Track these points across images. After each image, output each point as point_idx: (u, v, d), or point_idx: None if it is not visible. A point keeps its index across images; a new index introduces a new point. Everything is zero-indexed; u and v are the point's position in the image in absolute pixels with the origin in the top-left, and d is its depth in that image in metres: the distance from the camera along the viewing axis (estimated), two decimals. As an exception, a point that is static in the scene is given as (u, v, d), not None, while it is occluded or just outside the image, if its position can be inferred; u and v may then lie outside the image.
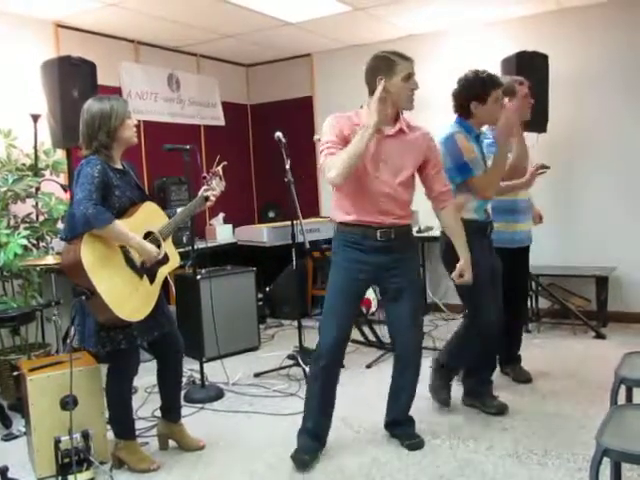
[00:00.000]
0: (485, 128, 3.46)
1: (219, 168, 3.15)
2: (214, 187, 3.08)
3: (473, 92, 3.15)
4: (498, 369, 3.76)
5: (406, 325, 2.98)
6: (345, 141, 2.71)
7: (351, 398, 3.34)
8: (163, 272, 2.94)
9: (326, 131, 2.81)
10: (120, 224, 2.67)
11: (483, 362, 3.46)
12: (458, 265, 2.94)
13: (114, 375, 2.92)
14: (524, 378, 3.84)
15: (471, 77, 3.17)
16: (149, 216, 2.90)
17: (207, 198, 3.07)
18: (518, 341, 3.95)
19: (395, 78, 2.72)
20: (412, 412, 3.16)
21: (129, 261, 2.76)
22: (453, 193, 3.09)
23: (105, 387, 2.96)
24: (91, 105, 2.79)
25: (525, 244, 3.81)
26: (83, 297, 2.63)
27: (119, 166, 2.86)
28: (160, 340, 2.97)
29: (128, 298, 2.72)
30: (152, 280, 2.87)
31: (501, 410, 3.35)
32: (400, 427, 3.11)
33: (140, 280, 2.80)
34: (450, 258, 3.10)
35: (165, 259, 2.93)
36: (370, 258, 2.84)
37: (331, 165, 2.69)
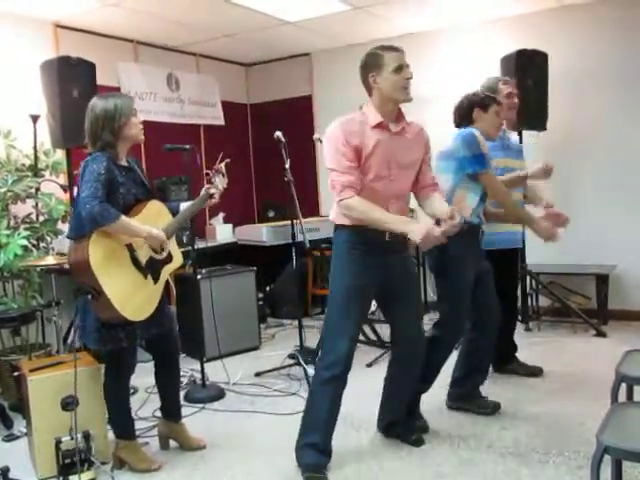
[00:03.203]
0: None
1: (222, 165, 3.15)
2: (217, 184, 3.08)
3: (477, 99, 3.27)
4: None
5: (413, 324, 2.95)
6: (357, 153, 2.62)
7: (352, 397, 3.31)
8: (166, 271, 2.95)
9: (334, 150, 2.65)
10: (126, 219, 2.67)
11: (477, 365, 3.45)
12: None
13: (111, 374, 2.92)
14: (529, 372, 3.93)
15: (476, 91, 3.36)
16: (154, 215, 2.89)
17: (211, 195, 3.07)
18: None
19: (385, 72, 2.68)
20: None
21: (134, 260, 2.76)
22: (451, 189, 3.14)
23: (103, 387, 2.96)
24: (95, 104, 2.78)
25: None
26: (89, 296, 2.63)
27: (124, 163, 2.86)
28: (157, 340, 2.97)
29: (133, 298, 2.72)
30: (156, 280, 2.87)
31: (496, 408, 3.37)
32: (401, 425, 3.10)
33: (144, 279, 2.81)
34: (442, 267, 3.17)
35: (169, 258, 2.93)
36: (378, 260, 2.76)
37: (353, 208, 2.61)
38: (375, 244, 2.73)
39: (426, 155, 2.90)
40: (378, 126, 2.71)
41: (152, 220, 2.87)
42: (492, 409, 3.36)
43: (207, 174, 3.10)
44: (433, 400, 3.38)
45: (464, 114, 3.30)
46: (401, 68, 2.67)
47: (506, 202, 3.29)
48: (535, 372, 3.92)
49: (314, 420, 2.80)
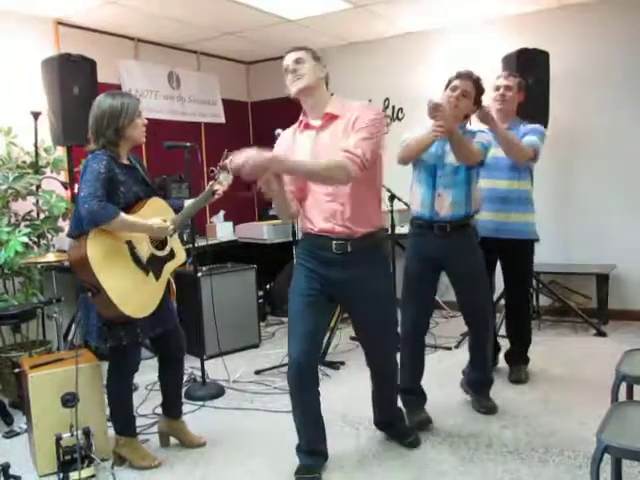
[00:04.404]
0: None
1: (227, 162, 3.15)
2: (221, 181, 3.09)
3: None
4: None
5: (371, 348, 2.88)
6: None
7: (350, 395, 3.33)
8: (169, 268, 2.95)
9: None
10: (125, 215, 2.67)
11: (472, 363, 3.46)
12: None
13: (114, 372, 2.92)
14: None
15: None
16: (155, 212, 2.89)
17: (214, 192, 3.07)
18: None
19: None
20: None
21: (135, 257, 2.76)
22: (410, 186, 3.24)
23: (106, 384, 2.97)
24: (102, 101, 2.78)
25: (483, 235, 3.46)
26: (89, 294, 2.63)
27: (125, 161, 2.86)
28: (162, 337, 2.98)
29: (133, 295, 2.73)
30: (158, 276, 2.87)
31: (490, 411, 3.36)
32: (392, 426, 3.08)
33: (146, 276, 2.81)
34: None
35: (171, 255, 2.93)
36: (326, 271, 2.63)
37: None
38: (321, 256, 2.63)
39: (355, 126, 2.55)
40: None
41: (155, 216, 2.87)
42: (486, 410, 3.36)
43: (212, 171, 3.11)
44: (433, 400, 3.38)
45: None
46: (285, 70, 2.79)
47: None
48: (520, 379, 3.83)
49: (296, 424, 2.79)
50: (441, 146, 3.12)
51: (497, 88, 3.71)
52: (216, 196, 3.07)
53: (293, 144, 2.70)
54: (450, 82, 3.20)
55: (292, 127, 2.78)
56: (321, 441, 2.81)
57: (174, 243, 2.97)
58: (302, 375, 2.67)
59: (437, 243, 3.15)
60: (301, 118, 2.72)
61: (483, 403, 3.39)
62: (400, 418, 3.10)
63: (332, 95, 2.70)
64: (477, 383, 3.46)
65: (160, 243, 2.91)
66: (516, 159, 3.57)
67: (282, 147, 2.72)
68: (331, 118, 2.61)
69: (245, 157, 2.31)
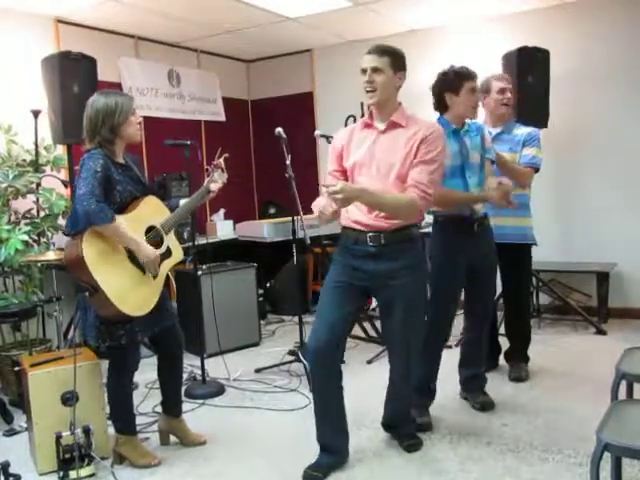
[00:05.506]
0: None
1: (220, 160, 3.16)
2: (216, 179, 3.09)
3: (447, 83, 3.12)
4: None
5: (397, 344, 2.84)
6: (340, 158, 2.81)
7: (352, 394, 3.30)
8: (166, 266, 2.94)
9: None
10: (121, 225, 2.66)
11: (464, 358, 3.48)
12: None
13: (114, 371, 2.92)
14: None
15: (446, 70, 3.16)
16: (151, 210, 2.90)
17: (210, 190, 3.08)
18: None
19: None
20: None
21: (131, 256, 2.76)
22: None
23: (106, 383, 2.97)
24: (96, 100, 2.79)
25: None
26: (86, 293, 2.63)
27: (121, 160, 2.86)
28: (161, 335, 2.98)
29: (131, 293, 2.72)
30: (155, 275, 2.87)
31: (486, 407, 3.36)
32: (397, 428, 3.06)
33: (143, 275, 2.81)
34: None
35: (168, 253, 2.93)
36: (360, 264, 2.71)
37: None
38: (356, 249, 2.71)
39: (419, 152, 2.69)
40: None
41: (150, 215, 2.88)
42: (481, 406, 3.37)
43: (206, 170, 3.12)
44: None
45: (437, 99, 3.18)
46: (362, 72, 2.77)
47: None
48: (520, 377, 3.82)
49: (315, 417, 2.81)
50: (463, 145, 3.14)
51: (502, 91, 3.68)
52: (211, 194, 3.08)
53: (350, 141, 2.80)
54: (464, 81, 3.09)
55: (350, 127, 2.90)
56: (336, 437, 2.80)
57: (170, 241, 2.96)
58: (320, 365, 2.72)
59: (473, 241, 3.19)
60: (365, 119, 2.80)
61: (478, 398, 3.40)
62: (410, 421, 3.06)
63: (400, 104, 2.76)
64: (472, 379, 3.46)
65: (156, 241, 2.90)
66: (520, 184, 3.63)
67: (337, 145, 2.85)
68: (395, 125, 2.73)
69: (341, 187, 2.43)
